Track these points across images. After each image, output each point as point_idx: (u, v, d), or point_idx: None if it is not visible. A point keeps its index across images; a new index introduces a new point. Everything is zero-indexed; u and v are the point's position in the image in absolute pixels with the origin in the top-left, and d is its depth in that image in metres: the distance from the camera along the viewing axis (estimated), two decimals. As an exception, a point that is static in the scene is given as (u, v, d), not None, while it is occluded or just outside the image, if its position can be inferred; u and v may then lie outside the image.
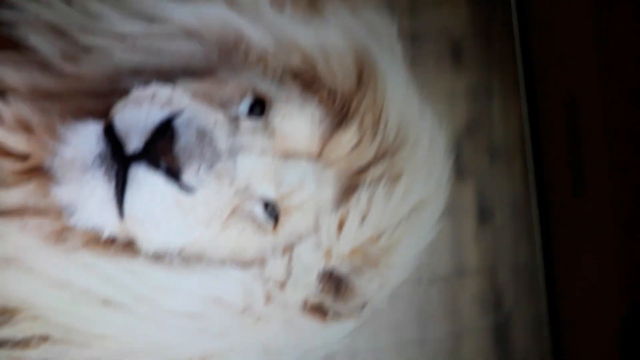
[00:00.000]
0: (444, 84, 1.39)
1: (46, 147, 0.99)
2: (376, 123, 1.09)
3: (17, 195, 1.03)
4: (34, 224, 1.03)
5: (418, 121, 1.13)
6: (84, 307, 1.02)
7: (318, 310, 1.10)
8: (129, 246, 1.03)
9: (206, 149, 0.95)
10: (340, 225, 1.08)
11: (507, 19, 1.45)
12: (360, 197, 1.07)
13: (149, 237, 1.00)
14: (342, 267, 1.09)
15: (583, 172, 1.35)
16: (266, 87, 1.07)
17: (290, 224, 1.07)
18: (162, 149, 0.93)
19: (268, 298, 1.07)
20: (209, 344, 1.07)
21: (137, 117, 0.95)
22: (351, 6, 1.16)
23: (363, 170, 1.09)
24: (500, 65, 1.44)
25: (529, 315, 1.42)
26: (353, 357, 1.29)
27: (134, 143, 0.94)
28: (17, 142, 1.04)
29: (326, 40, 1.10)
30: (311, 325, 1.10)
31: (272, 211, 1.05)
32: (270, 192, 1.04)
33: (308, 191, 1.06)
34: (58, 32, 1.07)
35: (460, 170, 1.36)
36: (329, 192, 1.08)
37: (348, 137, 1.08)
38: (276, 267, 1.07)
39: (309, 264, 1.07)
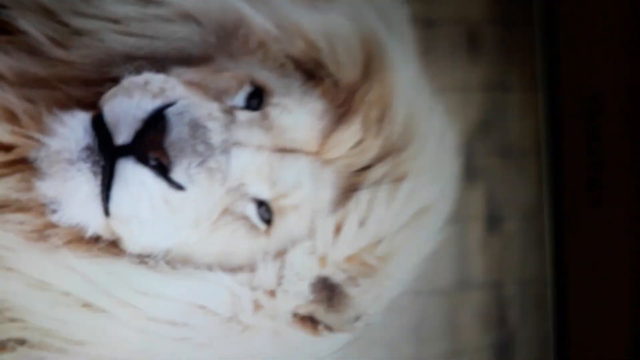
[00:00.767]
0: (457, 76, 1.34)
1: (31, 138, 0.98)
2: (381, 119, 1.07)
3: (-1, 189, 1.03)
4: (15, 220, 1.01)
5: (427, 118, 1.11)
6: (64, 310, 1.01)
7: (309, 322, 1.08)
8: (113, 246, 1.02)
9: (199, 143, 0.94)
10: (337, 230, 1.06)
11: (529, 3, 1.40)
12: (360, 199, 1.05)
13: (135, 237, 0.99)
14: (336, 276, 1.07)
15: (601, 179, 1.33)
16: (265, 76, 1.05)
17: (284, 226, 1.05)
18: (152, 142, 0.92)
19: (256, 307, 1.05)
20: (192, 354, 1.06)
21: (127, 107, 0.94)
22: (360, -12, 1.13)
23: (364, 169, 1.07)
24: (520, 55, 1.38)
25: (534, 334, 1.39)
26: (344, 374, 1.31)
27: (123, 135, 0.93)
28: (1, 132, 1.01)
29: (332, 25, 1.08)
30: (301, 337, 1.09)
31: (266, 212, 1.03)
32: (264, 191, 1.02)
33: (304, 191, 1.04)
34: (48, 13, 1.05)
35: (469, 173, 1.32)
36: (326, 192, 1.06)
37: (350, 133, 1.05)
38: (267, 274, 1.05)
39: (302, 271, 1.06)
